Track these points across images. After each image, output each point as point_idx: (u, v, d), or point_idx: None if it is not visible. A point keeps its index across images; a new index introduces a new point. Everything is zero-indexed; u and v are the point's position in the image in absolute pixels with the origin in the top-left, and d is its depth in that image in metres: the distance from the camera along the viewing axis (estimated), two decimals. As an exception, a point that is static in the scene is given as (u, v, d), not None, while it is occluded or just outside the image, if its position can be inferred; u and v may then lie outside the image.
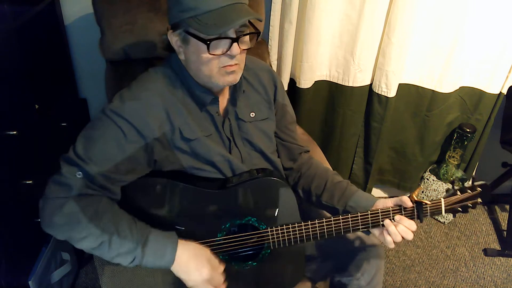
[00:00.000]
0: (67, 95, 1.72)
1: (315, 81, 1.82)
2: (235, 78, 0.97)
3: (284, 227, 1.02)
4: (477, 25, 1.71)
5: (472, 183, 1.07)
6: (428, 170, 2.14)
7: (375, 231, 1.04)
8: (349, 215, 1.02)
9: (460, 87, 1.88)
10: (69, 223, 0.88)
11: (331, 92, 1.86)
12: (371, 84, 1.83)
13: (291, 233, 1.02)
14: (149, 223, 0.95)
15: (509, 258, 1.97)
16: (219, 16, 0.87)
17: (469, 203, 1.06)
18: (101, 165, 0.90)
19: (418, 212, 1.03)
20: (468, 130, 1.93)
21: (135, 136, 0.93)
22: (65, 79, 1.72)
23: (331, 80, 1.84)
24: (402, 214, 1.02)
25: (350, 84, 1.80)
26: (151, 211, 0.99)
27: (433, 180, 2.11)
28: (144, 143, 0.94)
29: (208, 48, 0.90)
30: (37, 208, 1.32)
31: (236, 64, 0.94)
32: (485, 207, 2.28)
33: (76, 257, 1.67)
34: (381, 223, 1.02)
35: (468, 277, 1.87)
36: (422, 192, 2.18)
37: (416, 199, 1.02)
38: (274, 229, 1.02)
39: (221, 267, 0.99)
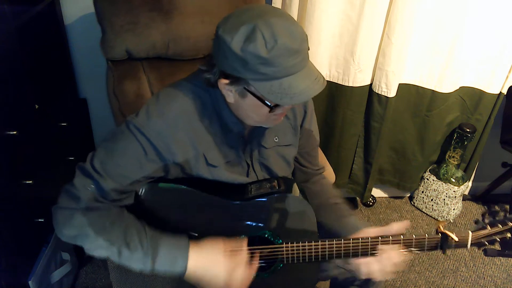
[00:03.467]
0: (67, 95, 1.72)
1: (315, 81, 1.82)
2: (280, 120, 0.96)
3: (300, 244, 0.99)
4: (477, 25, 1.71)
5: (504, 216, 1.02)
6: (428, 170, 2.14)
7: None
8: (369, 238, 0.99)
9: (460, 87, 1.89)
10: (78, 236, 0.88)
11: (331, 92, 1.86)
12: (371, 84, 1.83)
13: (307, 251, 0.99)
14: (162, 227, 0.93)
15: (509, 258, 1.97)
16: (290, 87, 0.81)
17: (497, 237, 1.02)
18: (117, 181, 0.89)
19: (442, 243, 1.00)
20: (468, 130, 1.93)
21: (154, 156, 0.91)
22: (65, 79, 1.72)
23: (331, 80, 1.84)
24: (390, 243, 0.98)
25: (350, 84, 1.80)
26: (165, 216, 0.98)
27: (433, 180, 2.11)
28: (163, 164, 0.92)
29: (270, 110, 0.87)
30: (37, 208, 1.33)
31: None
32: (485, 207, 2.28)
33: (76, 257, 1.67)
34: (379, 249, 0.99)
35: (468, 277, 1.88)
36: (422, 192, 2.18)
37: (442, 230, 0.99)
38: (289, 245, 0.99)
39: (242, 261, 0.93)
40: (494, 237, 1.02)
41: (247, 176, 1.05)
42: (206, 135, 0.95)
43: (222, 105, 0.94)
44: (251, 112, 0.90)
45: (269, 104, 0.85)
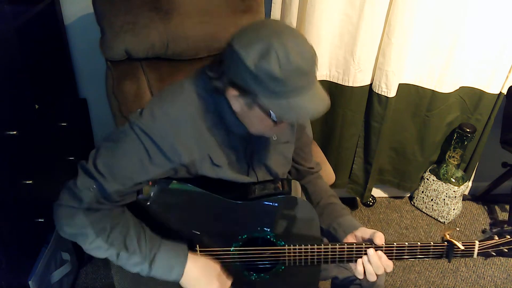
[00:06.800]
0: (67, 95, 1.72)
1: (315, 81, 1.82)
2: (282, 131, 0.99)
3: (303, 247, 0.99)
4: (477, 26, 1.71)
5: None
6: (428, 170, 2.14)
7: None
8: (373, 244, 0.97)
9: (460, 87, 1.89)
10: (78, 234, 0.89)
11: (331, 92, 1.86)
12: (371, 84, 1.83)
13: (309, 254, 0.99)
14: (165, 225, 0.95)
15: (509, 258, 1.97)
16: (297, 106, 0.84)
17: (504, 249, 0.98)
18: (120, 183, 0.89)
19: (448, 251, 0.99)
20: (468, 130, 1.93)
21: (161, 160, 0.90)
22: (65, 79, 1.72)
23: (331, 80, 1.84)
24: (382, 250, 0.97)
25: (350, 84, 1.80)
26: (168, 214, 0.98)
27: (433, 180, 2.11)
28: (170, 167, 0.92)
29: (275, 124, 0.90)
30: (37, 208, 1.33)
31: None
32: (485, 207, 2.28)
33: (76, 257, 1.67)
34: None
35: (468, 277, 1.88)
36: (422, 192, 2.18)
37: (448, 238, 0.98)
38: (292, 247, 0.99)
39: (229, 283, 1.00)
40: (501, 248, 0.99)
41: (248, 175, 1.05)
42: (210, 136, 0.95)
43: (226, 109, 0.94)
44: (256, 123, 0.92)
45: (275, 119, 0.87)
